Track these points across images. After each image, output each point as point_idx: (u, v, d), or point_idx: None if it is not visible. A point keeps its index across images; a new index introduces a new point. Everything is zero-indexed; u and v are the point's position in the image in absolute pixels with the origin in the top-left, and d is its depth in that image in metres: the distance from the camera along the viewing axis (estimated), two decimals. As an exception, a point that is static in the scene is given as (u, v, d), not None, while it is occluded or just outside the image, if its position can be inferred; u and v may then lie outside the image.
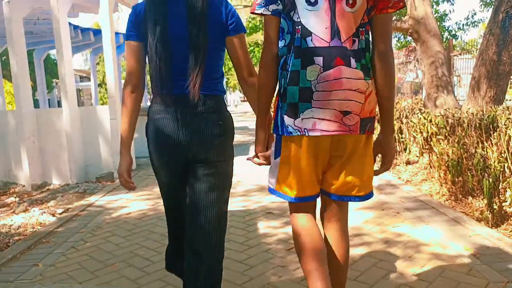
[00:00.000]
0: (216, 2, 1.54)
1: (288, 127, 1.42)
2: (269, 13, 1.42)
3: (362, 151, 1.46)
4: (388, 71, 1.42)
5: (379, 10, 1.38)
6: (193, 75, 1.47)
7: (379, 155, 1.57)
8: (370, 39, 1.44)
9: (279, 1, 1.41)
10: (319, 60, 1.35)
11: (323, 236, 1.53)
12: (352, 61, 1.36)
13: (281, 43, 1.44)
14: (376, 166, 1.57)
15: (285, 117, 1.42)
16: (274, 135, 1.52)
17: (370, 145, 1.51)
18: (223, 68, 1.71)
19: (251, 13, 1.45)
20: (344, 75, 1.34)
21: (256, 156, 1.62)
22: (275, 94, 1.55)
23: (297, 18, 1.38)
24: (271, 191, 1.57)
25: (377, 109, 1.48)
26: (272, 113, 1.56)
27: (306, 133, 1.39)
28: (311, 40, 1.37)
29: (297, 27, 1.38)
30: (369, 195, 1.53)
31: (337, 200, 1.52)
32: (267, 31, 1.46)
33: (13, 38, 5.57)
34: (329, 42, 1.35)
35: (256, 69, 1.67)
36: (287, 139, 1.44)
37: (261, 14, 1.43)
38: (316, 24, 1.36)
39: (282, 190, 1.51)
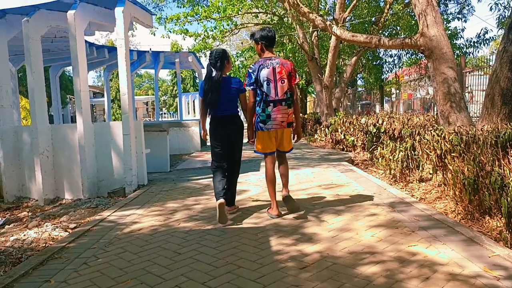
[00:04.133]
0: (235, 81, 4.00)
1: (262, 128, 3.81)
2: (250, 89, 3.81)
3: (288, 134, 3.91)
4: (295, 106, 3.91)
5: (291, 83, 3.83)
6: (225, 108, 3.94)
7: (295, 135, 4.06)
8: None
9: (255, 84, 3.76)
10: (272, 104, 3.77)
11: (276, 167, 3.96)
12: (283, 103, 3.79)
13: (258, 98, 3.80)
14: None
15: (260, 124, 3.80)
16: (255, 131, 3.90)
17: (290, 132, 3.95)
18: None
19: (244, 87, 3.95)
20: (280, 109, 3.78)
21: (249, 141, 4.03)
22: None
23: (263, 89, 3.76)
24: (256, 152, 3.96)
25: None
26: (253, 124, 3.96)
27: (269, 130, 3.82)
28: (268, 98, 3.76)
29: (263, 93, 3.76)
30: (291, 150, 3.99)
31: (280, 153, 3.97)
32: (250, 96, 3.83)
33: (31, 56, 5.72)
34: (274, 98, 3.76)
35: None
36: (260, 132, 3.85)
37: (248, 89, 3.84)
38: (269, 91, 3.75)
39: (258, 150, 3.91)
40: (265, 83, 3.72)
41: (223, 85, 3.87)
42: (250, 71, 3.78)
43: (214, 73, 3.90)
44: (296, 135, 4.00)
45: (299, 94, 22.39)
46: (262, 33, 3.86)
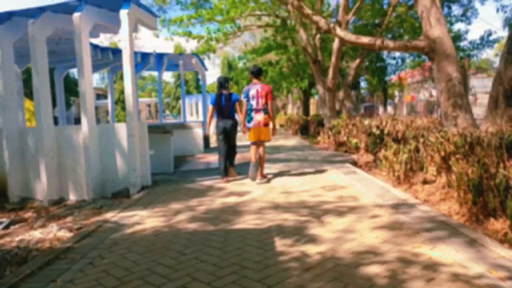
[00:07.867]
0: (234, 95, 6.45)
1: (249, 126, 6.18)
2: (245, 100, 6.16)
3: (265, 131, 6.17)
4: (270, 113, 6.16)
5: (268, 100, 6.12)
6: (227, 112, 6.35)
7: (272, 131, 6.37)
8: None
9: (247, 98, 6.13)
10: (254, 111, 6.13)
11: (257, 152, 6.21)
12: (262, 111, 6.11)
13: (248, 106, 6.15)
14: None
15: (248, 124, 6.18)
16: (247, 127, 6.24)
17: (269, 128, 6.21)
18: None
19: (240, 100, 6.40)
20: (259, 114, 6.12)
21: (243, 131, 6.32)
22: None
23: (251, 102, 6.13)
24: (250, 142, 6.28)
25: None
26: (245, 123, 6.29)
27: (253, 127, 6.14)
28: (252, 107, 6.13)
29: (250, 103, 6.13)
30: (268, 141, 6.32)
31: (260, 142, 6.22)
32: (244, 105, 6.18)
33: (36, 57, 5.76)
34: (256, 107, 6.12)
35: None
36: (250, 128, 6.18)
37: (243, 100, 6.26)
38: (254, 103, 6.11)
39: (250, 139, 6.21)
40: (251, 98, 6.08)
41: (229, 98, 6.28)
42: (245, 90, 6.22)
43: (223, 91, 6.31)
44: (273, 131, 6.27)
45: (302, 97, 22.64)
46: (249, 69, 6.87)
